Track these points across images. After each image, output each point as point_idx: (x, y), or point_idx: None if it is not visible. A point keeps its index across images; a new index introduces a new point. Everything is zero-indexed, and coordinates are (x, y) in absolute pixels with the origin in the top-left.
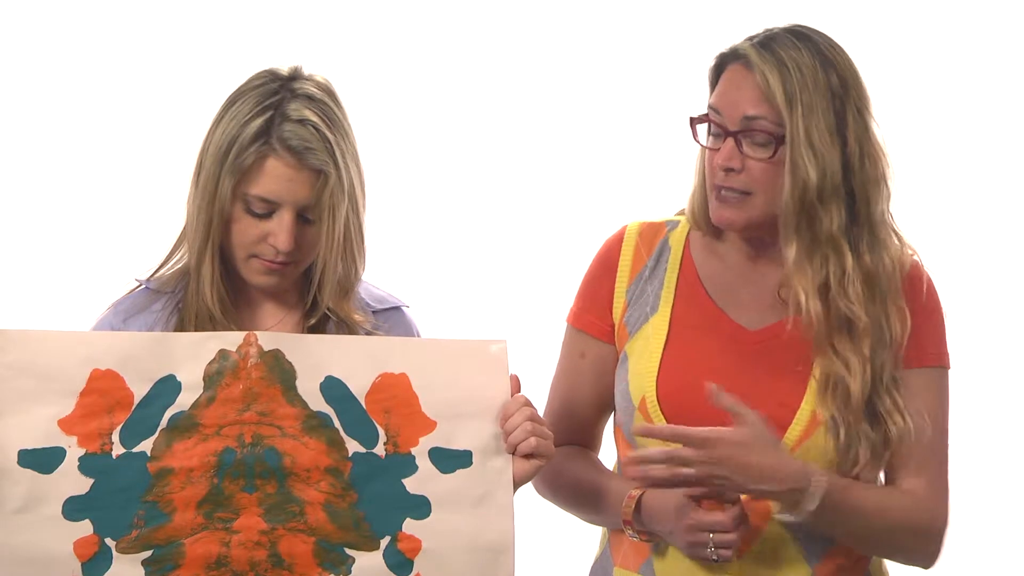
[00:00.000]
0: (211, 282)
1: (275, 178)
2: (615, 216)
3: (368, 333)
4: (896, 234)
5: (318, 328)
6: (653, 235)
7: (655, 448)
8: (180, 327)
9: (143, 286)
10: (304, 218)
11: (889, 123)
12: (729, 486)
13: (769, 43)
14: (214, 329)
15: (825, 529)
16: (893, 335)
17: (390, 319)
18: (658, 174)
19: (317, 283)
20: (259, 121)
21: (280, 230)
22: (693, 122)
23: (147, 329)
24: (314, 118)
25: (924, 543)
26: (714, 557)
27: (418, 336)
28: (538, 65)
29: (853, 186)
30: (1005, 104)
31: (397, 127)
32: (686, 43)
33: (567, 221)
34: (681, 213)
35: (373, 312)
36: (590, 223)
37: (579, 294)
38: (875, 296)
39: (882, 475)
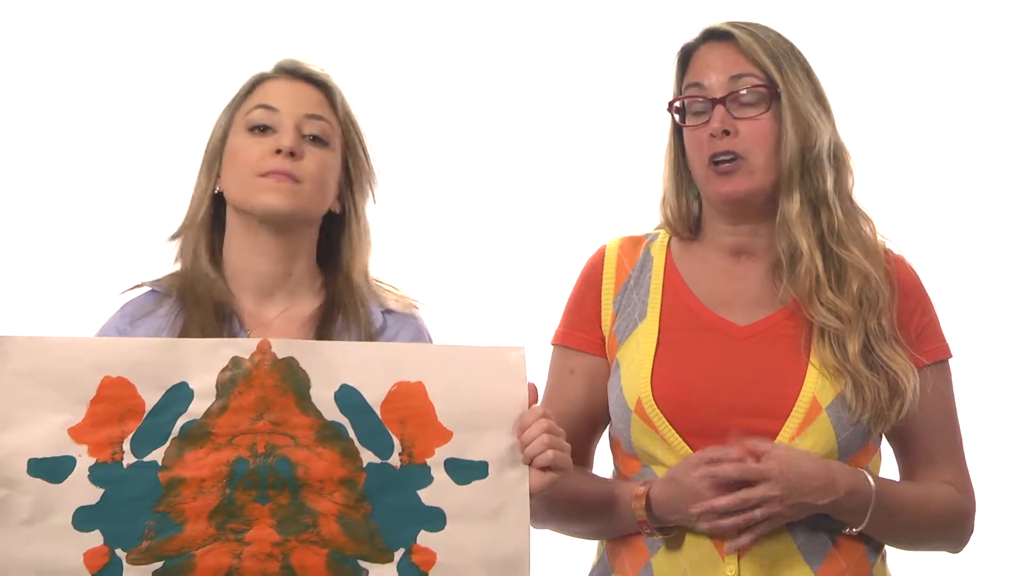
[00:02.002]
0: (200, 244)
1: (273, 91)
2: (630, 221)
3: (380, 329)
4: (865, 216)
5: (327, 317)
6: (633, 247)
7: (729, 465)
8: (185, 329)
9: (150, 289)
10: (309, 137)
11: (877, 117)
12: (790, 504)
13: (740, 23)
14: (217, 324)
15: (877, 531)
16: (883, 298)
17: (403, 318)
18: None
19: (350, 213)
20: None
21: (283, 132)
22: (671, 107)
23: (155, 332)
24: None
25: (961, 530)
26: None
27: (429, 337)
28: (559, 72)
29: (835, 154)
30: (992, 100)
31: (406, 127)
32: None
33: (585, 226)
34: (660, 227)
35: (384, 312)
36: (607, 228)
37: (565, 314)
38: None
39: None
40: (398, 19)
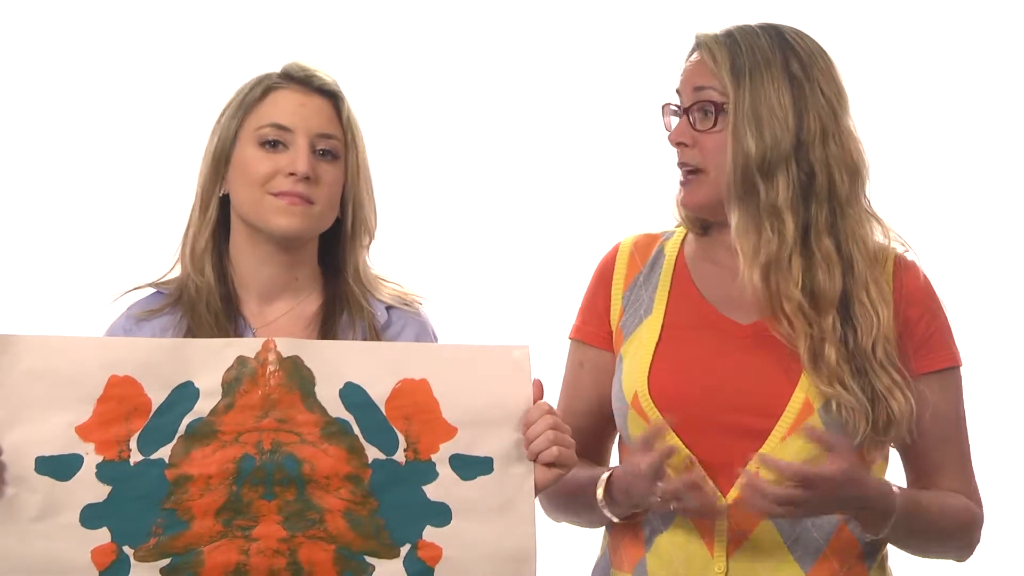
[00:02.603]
0: (208, 250)
1: (285, 106)
2: (641, 220)
3: (385, 325)
4: (878, 222)
5: (330, 315)
6: (648, 244)
7: (776, 489)
8: (191, 331)
9: (156, 290)
10: (319, 152)
11: (888, 121)
12: (815, 513)
13: (730, 30)
14: (223, 324)
15: (896, 538)
16: (879, 317)
17: (406, 314)
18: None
19: (351, 219)
20: (261, 75)
21: (296, 154)
22: (664, 111)
23: (160, 333)
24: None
25: (971, 539)
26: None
27: (433, 333)
28: (570, 69)
29: (812, 163)
30: (1003, 103)
31: (416, 124)
32: None
33: (598, 223)
34: (679, 225)
35: (388, 308)
36: (621, 224)
37: (579, 310)
38: (845, 273)
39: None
40: (406, 13)
